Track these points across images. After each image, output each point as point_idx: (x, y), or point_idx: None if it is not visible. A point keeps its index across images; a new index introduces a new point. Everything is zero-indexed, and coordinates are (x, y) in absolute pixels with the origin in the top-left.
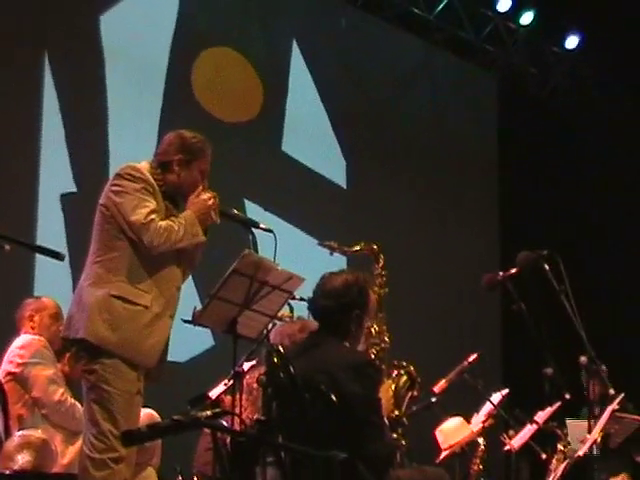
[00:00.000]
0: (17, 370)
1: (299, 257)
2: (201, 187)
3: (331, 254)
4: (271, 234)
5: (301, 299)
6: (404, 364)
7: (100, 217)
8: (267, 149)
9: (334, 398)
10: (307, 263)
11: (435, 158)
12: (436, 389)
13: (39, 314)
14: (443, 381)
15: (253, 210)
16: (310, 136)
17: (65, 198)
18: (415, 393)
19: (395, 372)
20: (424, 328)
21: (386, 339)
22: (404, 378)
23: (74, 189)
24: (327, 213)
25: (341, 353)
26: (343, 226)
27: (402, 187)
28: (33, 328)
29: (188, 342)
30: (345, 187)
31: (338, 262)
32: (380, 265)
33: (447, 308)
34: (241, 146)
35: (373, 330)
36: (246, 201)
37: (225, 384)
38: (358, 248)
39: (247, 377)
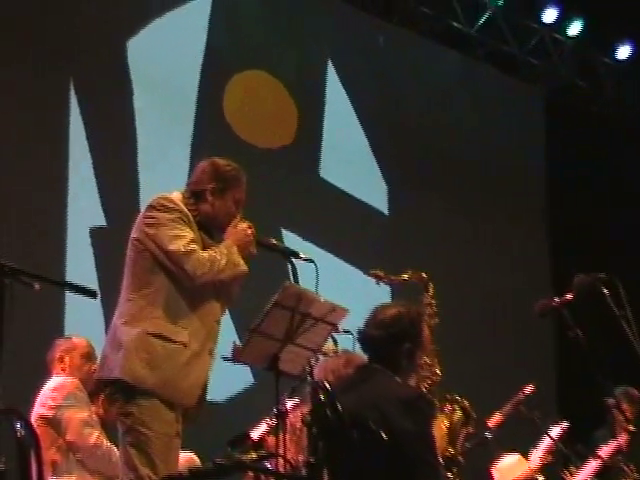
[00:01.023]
0: (50, 413)
1: (341, 287)
2: (238, 217)
3: (377, 283)
4: (312, 264)
5: (345, 332)
6: (458, 398)
7: (133, 251)
8: (304, 175)
9: (384, 436)
10: (350, 293)
11: (481, 179)
12: (491, 423)
13: (69, 355)
14: (498, 415)
15: (291, 240)
16: (349, 160)
17: (95, 233)
18: (470, 429)
19: (448, 407)
20: (475, 359)
21: (438, 372)
22: (458, 413)
23: (104, 223)
24: (369, 241)
25: (391, 388)
26: (386, 254)
27: (447, 211)
28: (64, 370)
29: (227, 380)
30: (387, 213)
31: (381, 292)
32: (429, 294)
33: (498, 337)
34: (277, 173)
35: (424, 363)
36: (283, 230)
37: (267, 424)
38: (406, 277)
39: (290, 416)
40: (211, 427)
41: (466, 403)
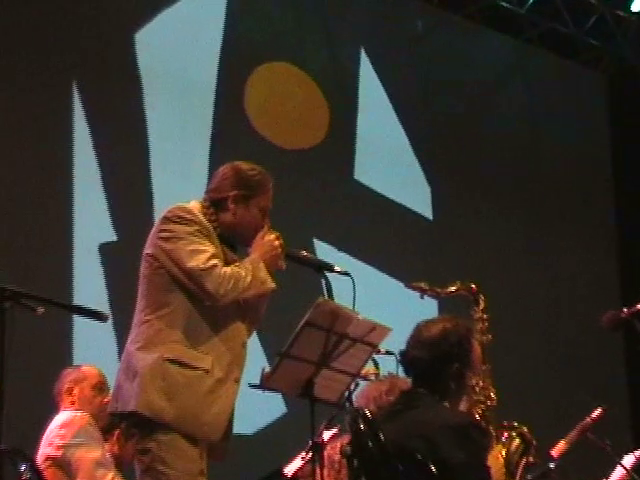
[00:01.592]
0: (58, 453)
1: (382, 303)
2: (266, 227)
3: (421, 297)
4: (348, 277)
5: (388, 352)
6: (515, 425)
7: (147, 268)
8: (337, 178)
9: (433, 468)
10: (391, 309)
11: (536, 178)
12: (554, 453)
13: (79, 386)
14: (562, 443)
15: (324, 251)
16: (387, 160)
17: (104, 248)
18: (530, 459)
19: (505, 435)
20: (534, 380)
21: (492, 396)
22: (516, 441)
23: (114, 238)
24: (411, 250)
25: (439, 414)
26: (431, 264)
27: (499, 214)
28: (73, 403)
29: (256, 410)
30: (431, 218)
31: (427, 307)
32: (480, 308)
33: (561, 355)
34: (306, 177)
35: (477, 386)
36: (315, 241)
37: (303, 458)
38: (454, 289)
39: (328, 448)
40: (240, 463)
41: (525, 430)
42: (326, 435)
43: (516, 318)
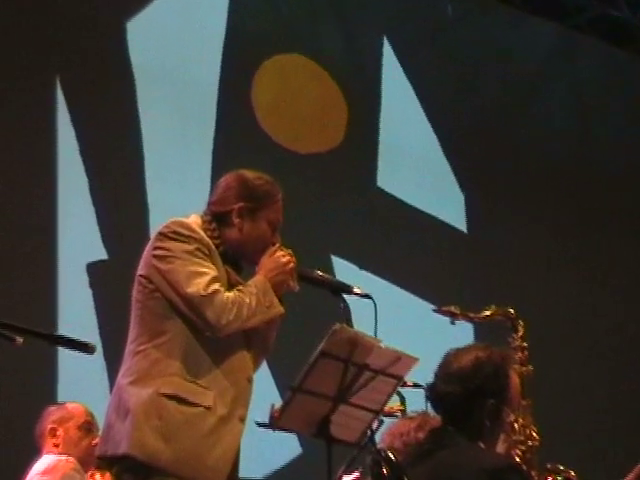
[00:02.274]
0: None
1: (408, 329)
2: (277, 245)
3: (452, 323)
4: (369, 300)
5: (415, 385)
6: (561, 468)
7: (140, 292)
8: (357, 186)
9: None
10: (420, 336)
11: (587, 181)
12: None
13: (63, 426)
14: None
15: (343, 269)
16: (414, 165)
17: (93, 268)
18: None
19: (550, 479)
20: (582, 417)
21: (534, 435)
22: None
23: (104, 256)
24: (443, 267)
25: (473, 456)
26: (465, 283)
27: (543, 225)
28: (57, 446)
29: (266, 452)
30: (465, 230)
31: (462, 333)
32: (519, 335)
33: (613, 388)
34: (323, 184)
35: (516, 424)
36: (333, 258)
37: None
38: (489, 313)
39: None
40: None
41: (572, 474)
42: None
43: (561, 347)
